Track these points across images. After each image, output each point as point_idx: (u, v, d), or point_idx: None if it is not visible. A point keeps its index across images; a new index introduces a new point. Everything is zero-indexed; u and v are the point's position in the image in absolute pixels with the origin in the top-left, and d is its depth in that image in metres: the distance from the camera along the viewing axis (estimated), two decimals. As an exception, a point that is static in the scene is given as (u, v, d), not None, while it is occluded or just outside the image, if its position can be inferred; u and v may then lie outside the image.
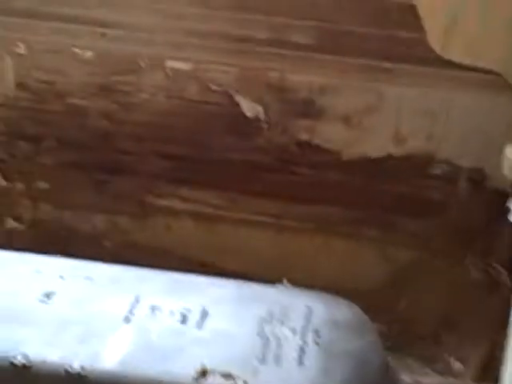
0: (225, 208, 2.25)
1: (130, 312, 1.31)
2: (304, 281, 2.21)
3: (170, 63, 2.13)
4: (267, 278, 2.33)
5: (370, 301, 2.26)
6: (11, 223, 2.32)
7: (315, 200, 2.20)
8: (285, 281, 1.47)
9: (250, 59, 2.07)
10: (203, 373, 1.16)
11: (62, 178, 2.28)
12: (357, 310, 1.44)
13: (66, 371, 1.18)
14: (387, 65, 2.03)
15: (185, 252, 2.27)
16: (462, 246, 2.14)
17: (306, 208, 2.21)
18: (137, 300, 1.34)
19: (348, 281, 2.22)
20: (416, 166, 2.12)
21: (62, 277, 1.40)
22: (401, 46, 2.00)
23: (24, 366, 1.19)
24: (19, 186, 2.31)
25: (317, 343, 1.27)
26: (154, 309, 1.32)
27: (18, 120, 2.25)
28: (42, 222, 2.33)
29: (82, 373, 1.18)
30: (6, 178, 2.32)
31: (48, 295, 1.35)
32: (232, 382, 1.14)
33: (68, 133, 2.23)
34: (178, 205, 2.26)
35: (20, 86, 2.22)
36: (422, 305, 2.13)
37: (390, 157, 2.12)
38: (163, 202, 2.27)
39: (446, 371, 2.01)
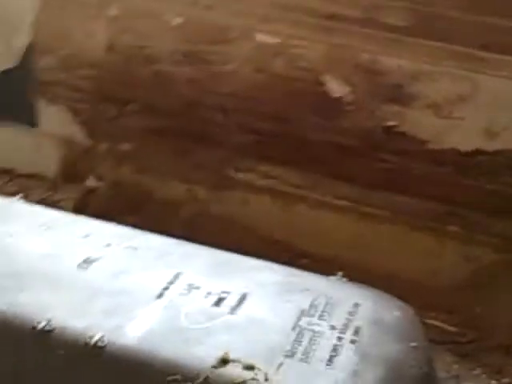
0: (304, 188, 2.19)
1: (166, 288, 1.27)
2: (378, 270, 2.16)
3: (259, 36, 2.08)
4: (339, 263, 2.28)
5: (445, 300, 2.19)
6: (92, 182, 2.34)
7: (398, 189, 2.11)
8: (339, 274, 1.40)
9: (340, 38, 2.00)
10: (224, 361, 1.11)
11: (144, 142, 2.29)
12: (409, 312, 1.35)
13: (86, 342, 1.16)
14: (484, 54, 1.92)
15: (259, 228, 2.24)
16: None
17: (387, 196, 2.13)
18: (176, 276, 1.30)
19: (424, 276, 2.15)
20: (507, 163, 2.00)
21: (107, 245, 1.39)
22: (500, 34, 1.89)
23: (45, 332, 1.18)
24: (103, 146, 2.33)
25: (354, 342, 1.19)
26: (191, 287, 1.27)
27: (107, 82, 2.25)
28: (121, 183, 2.34)
29: (100, 345, 1.15)
30: (90, 138, 2.35)
31: (88, 262, 1.33)
32: (252, 373, 1.09)
33: (154, 98, 2.22)
34: (257, 180, 2.23)
35: (110, 48, 2.23)
36: (499, 312, 2.02)
37: (479, 151, 2.01)
38: (243, 176, 2.24)
39: (513, 385, 1.91)
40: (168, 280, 1.28)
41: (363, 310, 1.27)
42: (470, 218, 2.08)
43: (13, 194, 2.36)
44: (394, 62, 1.98)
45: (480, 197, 2.06)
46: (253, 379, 1.08)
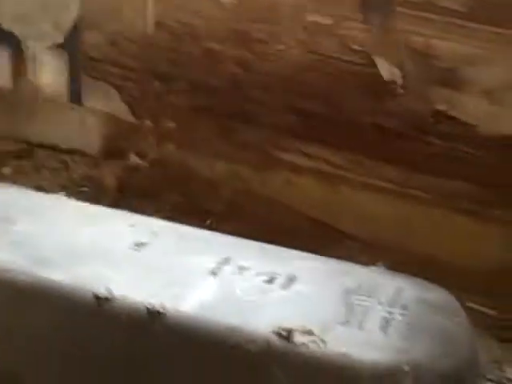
0: (349, 169, 2.20)
1: (218, 268, 1.31)
2: (420, 252, 2.17)
3: (311, 16, 2.08)
4: (381, 244, 2.30)
5: (487, 284, 2.20)
6: (135, 159, 2.35)
7: (444, 172, 2.12)
8: (380, 263, 1.43)
9: (394, 20, 2.00)
10: (283, 328, 1.14)
11: (189, 120, 2.29)
12: (450, 296, 1.40)
13: (147, 308, 1.19)
14: (541, 40, 1.92)
15: (301, 208, 2.24)
16: None
17: (432, 179, 2.13)
18: (226, 260, 1.34)
19: (466, 259, 2.15)
20: (555, 149, 2.02)
21: (154, 233, 1.42)
22: (558, 21, 1.89)
23: (106, 299, 1.21)
24: (147, 123, 2.33)
25: (403, 315, 1.23)
26: (242, 269, 1.31)
27: (153, 59, 2.25)
28: (164, 161, 2.34)
29: (162, 311, 1.18)
30: (134, 115, 2.34)
31: (140, 245, 1.36)
32: (311, 337, 1.12)
33: (201, 76, 2.22)
34: (301, 161, 2.23)
35: (159, 25, 2.22)
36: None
37: (529, 137, 2.03)
38: (287, 157, 2.24)
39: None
40: (219, 261, 1.32)
41: (407, 291, 1.32)
42: (514, 203, 2.10)
43: (56, 170, 2.39)
44: (448, 46, 1.97)
45: (526, 182, 2.07)
46: (312, 341, 1.11)
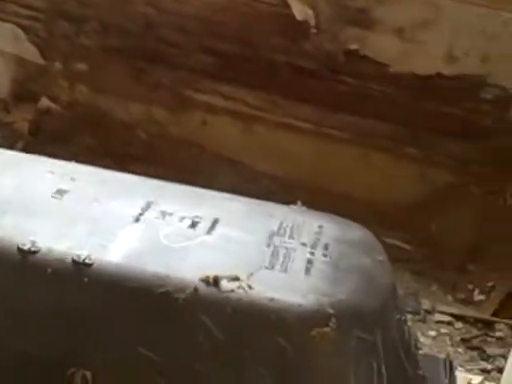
0: (264, 109, 2.20)
1: (141, 214, 1.26)
2: (337, 190, 2.21)
3: (224, -44, 2.05)
4: (299, 183, 2.32)
5: (402, 219, 2.25)
6: (47, 102, 2.29)
7: (358, 111, 2.15)
8: (299, 203, 1.45)
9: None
10: (210, 276, 1.15)
11: (101, 62, 2.24)
12: (369, 233, 1.42)
13: (73, 260, 1.15)
14: (449, -21, 1.94)
15: (218, 149, 2.25)
16: (503, 174, 2.10)
17: (347, 118, 2.16)
18: (148, 205, 1.29)
19: (382, 196, 2.20)
20: (466, 87, 2.05)
21: (73, 179, 1.38)
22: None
23: (31, 252, 1.16)
24: (57, 65, 2.27)
25: (325, 255, 1.22)
26: (164, 214, 1.27)
27: (61, -1, 2.19)
28: (77, 104, 2.30)
29: (88, 262, 1.15)
30: (44, 57, 2.28)
31: (61, 192, 1.30)
32: (237, 283, 1.13)
33: (112, 17, 2.17)
34: (216, 101, 2.22)
35: (66, -37, 2.15)
36: (453, 230, 2.10)
37: (439, 75, 2.05)
38: (202, 97, 2.22)
39: (468, 301, 2.00)
40: (141, 207, 1.27)
41: (328, 230, 1.30)
42: (427, 140, 2.14)
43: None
44: (360, -14, 1.99)
45: (438, 120, 2.11)
46: (238, 287, 1.12)
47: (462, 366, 1.84)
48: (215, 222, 1.27)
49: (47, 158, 1.52)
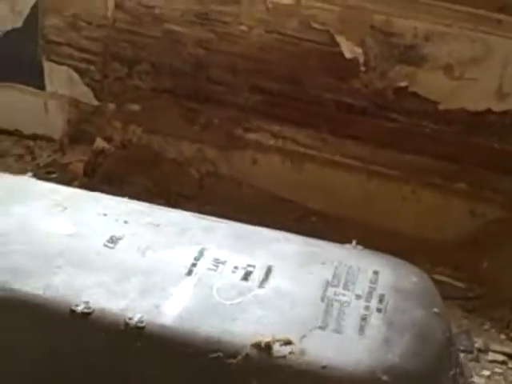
0: (314, 148, 2.21)
1: (193, 264, 1.28)
2: (386, 227, 2.20)
3: (272, -4, 2.09)
4: (348, 221, 2.32)
5: (453, 256, 2.23)
6: (101, 143, 2.34)
7: (407, 148, 2.15)
8: (354, 242, 1.42)
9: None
10: (262, 343, 1.12)
11: (153, 103, 2.28)
12: (425, 277, 1.37)
13: (126, 323, 1.16)
14: (498, 16, 1.94)
15: (269, 187, 2.26)
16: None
17: (397, 155, 2.16)
18: (201, 252, 1.30)
19: (432, 233, 2.19)
20: (516, 123, 2.05)
21: (126, 222, 1.37)
22: (515, -2, 1.92)
23: (84, 314, 1.17)
24: (111, 106, 2.32)
25: (379, 310, 1.22)
26: (217, 262, 1.28)
27: (115, 42, 2.23)
28: (130, 145, 2.34)
29: (140, 325, 1.16)
30: (98, 99, 2.33)
31: (114, 240, 1.31)
32: (290, 348, 1.11)
33: (163, 58, 2.21)
34: (266, 140, 2.24)
35: (119, 7, 2.20)
36: (505, 267, 2.08)
37: (489, 111, 2.05)
38: (252, 136, 2.25)
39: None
40: (194, 256, 1.29)
41: (383, 277, 1.30)
42: (477, 176, 2.13)
43: (20, 156, 2.37)
44: (408, 24, 1.99)
45: (488, 156, 2.10)
46: (291, 353, 1.11)
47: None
48: (268, 271, 1.27)
49: (101, 195, 1.51)
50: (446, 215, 2.18)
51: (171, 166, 2.30)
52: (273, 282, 1.24)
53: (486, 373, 1.92)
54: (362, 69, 2.07)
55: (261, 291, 1.22)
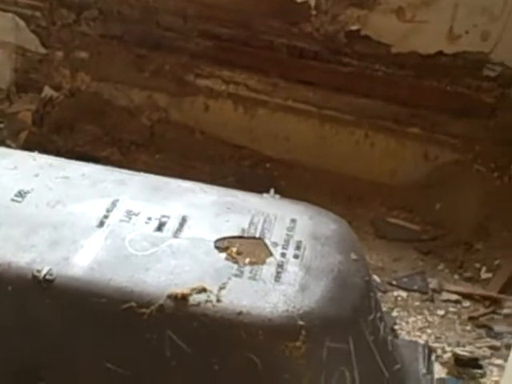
0: (266, 93, 2.19)
1: (105, 216, 1.23)
2: (340, 171, 2.20)
3: None
4: (302, 165, 2.32)
5: (407, 199, 2.25)
6: (49, 91, 2.29)
7: (360, 92, 2.13)
8: (272, 191, 1.40)
9: None
10: (178, 294, 1.10)
11: (102, 49, 2.24)
12: (344, 225, 1.33)
13: (34, 276, 1.12)
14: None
15: (221, 133, 2.24)
16: (507, 151, 2.09)
17: (349, 99, 2.15)
18: (114, 204, 1.25)
19: (386, 176, 2.20)
20: (468, 65, 2.04)
21: (36, 175, 1.31)
22: None
23: None
24: (59, 54, 2.27)
25: (296, 256, 1.19)
26: (130, 214, 1.23)
27: (61, -13, 2.19)
28: (79, 93, 2.29)
29: (49, 278, 1.12)
30: (45, 46, 2.28)
31: (22, 194, 1.26)
32: (205, 296, 1.08)
33: (111, 4, 2.17)
34: (218, 86, 2.21)
35: (65, -49, 2.15)
36: (458, 209, 2.10)
37: (441, 54, 2.04)
38: (203, 82, 2.22)
39: (475, 279, 2.00)
40: (106, 208, 1.25)
41: (301, 224, 1.27)
42: (430, 119, 2.13)
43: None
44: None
45: (441, 99, 2.10)
46: (206, 301, 1.08)
47: (470, 344, 1.85)
48: (183, 220, 1.22)
49: (11, 150, 1.45)
50: (400, 159, 2.18)
51: (121, 113, 2.27)
52: (187, 231, 1.21)
53: (441, 312, 1.96)
54: (313, 12, 2.04)
55: (175, 241, 1.19)
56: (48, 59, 2.27)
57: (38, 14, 2.22)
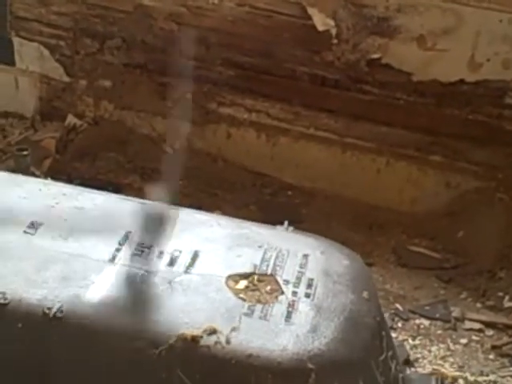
0: (288, 121, 2.21)
1: (117, 250, 1.22)
2: (362, 200, 2.20)
3: (244, -31, 2.07)
4: (323, 194, 2.32)
5: (429, 227, 2.24)
6: (73, 119, 2.32)
7: (381, 120, 2.14)
8: (286, 223, 1.39)
9: (326, -29, 2.00)
10: (187, 335, 1.07)
11: (125, 78, 2.26)
12: (358, 260, 1.33)
13: (44, 313, 1.12)
14: (469, -14, 1.94)
15: (243, 161, 2.26)
16: (529, 179, 2.09)
17: (370, 127, 2.16)
18: (126, 236, 1.25)
19: (407, 204, 2.20)
20: (489, 93, 2.04)
21: (50, 205, 1.31)
22: (486, -33, 1.91)
23: (0, 305, 1.12)
24: (82, 82, 2.30)
25: (308, 296, 1.19)
26: (142, 247, 1.23)
27: (86, 17, 2.21)
28: (102, 121, 2.32)
29: (59, 315, 1.12)
30: (69, 75, 2.31)
31: (35, 226, 1.26)
32: (215, 337, 1.08)
33: (134, 33, 2.19)
34: (240, 114, 2.23)
35: (88, -18, 2.18)
36: (480, 237, 2.09)
37: (462, 82, 2.05)
38: (226, 110, 2.24)
39: (497, 308, 1.99)
40: (118, 240, 1.24)
41: (313, 260, 1.27)
42: (451, 147, 2.14)
43: (-8, 134, 2.35)
44: (380, -5, 1.99)
45: (462, 126, 2.10)
46: (216, 343, 1.08)
47: (493, 373, 1.83)
48: (195, 255, 1.22)
49: (27, 178, 1.45)
50: (421, 187, 2.19)
51: (144, 141, 2.29)
52: (199, 266, 1.21)
53: (464, 341, 1.94)
54: (335, 41, 2.06)
55: (187, 277, 1.19)
56: (72, 88, 2.30)
57: (62, 43, 2.25)
